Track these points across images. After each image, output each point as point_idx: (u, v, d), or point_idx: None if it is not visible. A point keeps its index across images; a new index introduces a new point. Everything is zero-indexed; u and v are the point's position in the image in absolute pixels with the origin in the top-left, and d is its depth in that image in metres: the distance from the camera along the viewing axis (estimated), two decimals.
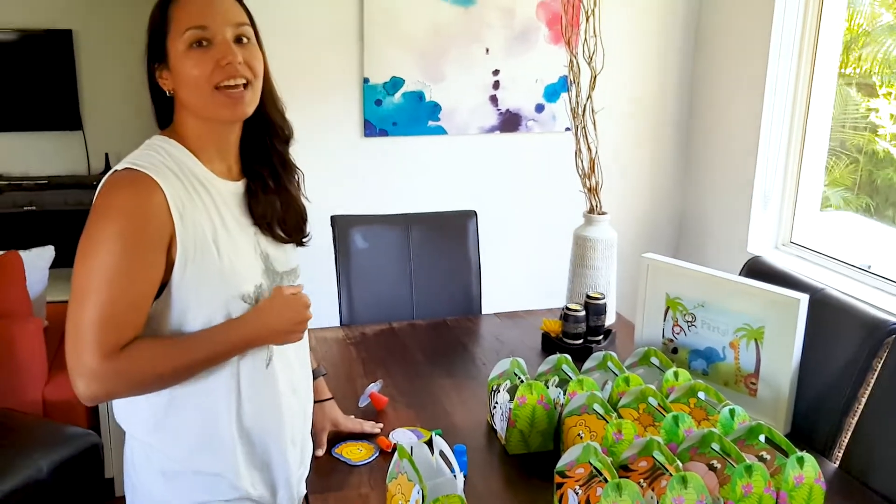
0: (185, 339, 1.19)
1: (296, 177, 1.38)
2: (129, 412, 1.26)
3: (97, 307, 1.11)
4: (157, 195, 1.14)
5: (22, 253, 2.62)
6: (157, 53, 1.21)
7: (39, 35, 4.49)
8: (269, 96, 1.29)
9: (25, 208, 4.08)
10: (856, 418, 1.67)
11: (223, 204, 1.24)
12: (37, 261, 2.72)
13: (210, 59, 1.17)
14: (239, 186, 1.29)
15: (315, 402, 1.52)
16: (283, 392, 1.31)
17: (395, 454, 1.32)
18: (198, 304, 1.19)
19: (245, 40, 1.22)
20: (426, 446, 1.39)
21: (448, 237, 2.56)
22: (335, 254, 2.43)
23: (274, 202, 1.32)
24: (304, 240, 1.39)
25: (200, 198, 1.21)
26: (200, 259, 1.17)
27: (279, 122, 1.33)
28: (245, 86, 1.20)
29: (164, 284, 1.17)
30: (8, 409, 2.39)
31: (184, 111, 1.23)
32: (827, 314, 1.78)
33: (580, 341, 2.13)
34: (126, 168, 1.16)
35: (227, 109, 1.20)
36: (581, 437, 1.52)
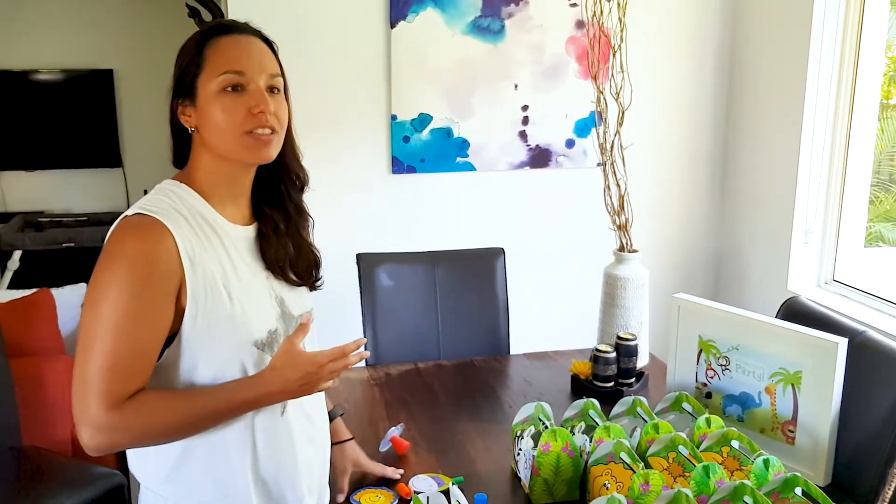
0: (192, 394, 1.16)
1: (307, 223, 1.36)
2: (142, 462, 1.24)
3: (103, 355, 1.10)
4: (166, 240, 1.13)
5: (54, 290, 2.65)
6: (184, 89, 1.20)
7: (82, 75, 4.63)
8: (289, 145, 1.29)
9: (65, 245, 4.16)
10: None
11: (234, 249, 1.23)
12: (69, 298, 2.75)
13: (242, 105, 1.17)
14: (250, 231, 1.28)
15: (333, 444, 1.48)
16: (298, 441, 1.28)
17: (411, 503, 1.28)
18: (209, 352, 1.17)
19: (276, 91, 1.22)
20: (443, 496, 1.34)
21: (476, 275, 2.53)
22: (360, 292, 2.41)
23: (286, 245, 1.31)
24: (316, 283, 1.37)
25: (211, 243, 1.19)
26: (211, 305, 1.16)
27: (296, 169, 1.33)
28: (272, 132, 1.20)
29: (175, 333, 1.16)
30: (37, 447, 2.39)
31: (202, 149, 1.23)
32: (868, 358, 1.70)
33: (611, 384, 2.07)
34: (136, 213, 1.15)
35: (252, 152, 1.20)
36: (607, 488, 1.46)
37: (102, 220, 4.56)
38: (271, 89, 1.21)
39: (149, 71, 4.64)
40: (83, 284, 2.85)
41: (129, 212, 1.16)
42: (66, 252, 4.18)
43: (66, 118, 4.67)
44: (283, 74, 1.25)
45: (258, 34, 1.24)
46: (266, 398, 1.18)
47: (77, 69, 4.64)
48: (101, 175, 4.83)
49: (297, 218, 1.33)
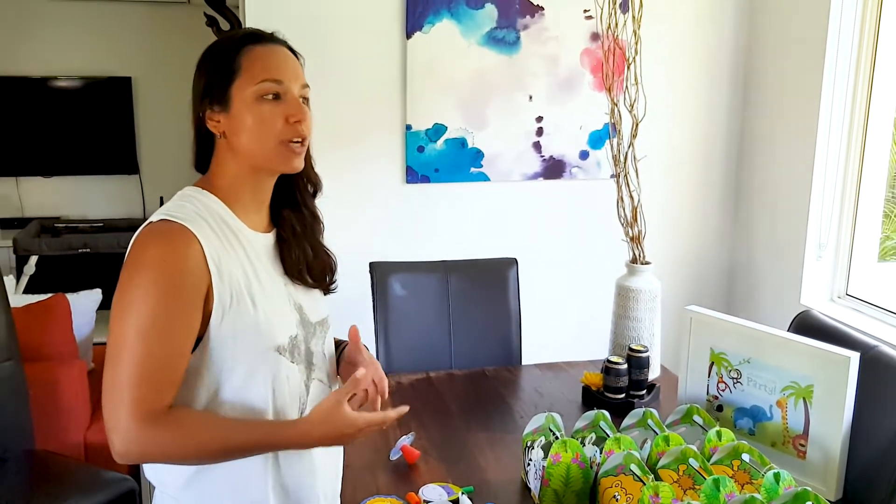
0: (231, 425, 1.17)
1: (321, 229, 1.38)
2: (161, 468, 1.24)
3: (133, 364, 1.09)
4: (193, 246, 1.13)
5: (70, 296, 2.67)
6: (216, 95, 1.21)
7: (100, 82, 4.68)
8: (307, 153, 1.31)
9: (80, 251, 4.19)
10: None
11: (255, 256, 1.24)
12: (84, 303, 2.77)
13: (280, 114, 1.19)
14: (269, 238, 1.29)
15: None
16: (316, 450, 1.28)
17: None
18: (233, 358, 1.18)
19: (306, 101, 1.25)
20: None
21: (488, 285, 2.53)
22: (373, 301, 2.42)
23: (304, 248, 1.32)
24: (331, 287, 1.38)
25: (234, 249, 1.20)
26: (236, 311, 1.17)
27: (312, 176, 1.35)
28: (302, 141, 1.23)
29: (200, 338, 1.16)
30: (49, 451, 2.41)
31: (228, 156, 1.23)
32: (881, 373, 1.69)
33: (622, 395, 2.07)
34: (161, 219, 1.15)
35: (287, 162, 1.22)
36: (617, 500, 1.46)
37: (118, 227, 4.60)
38: (303, 99, 1.24)
39: (166, 79, 4.69)
40: (98, 290, 2.87)
41: (154, 218, 1.16)
42: (81, 257, 4.21)
43: (83, 125, 4.71)
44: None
45: (287, 45, 1.26)
46: (300, 445, 1.21)
47: (95, 76, 4.68)
48: (117, 181, 4.87)
49: (312, 222, 1.35)
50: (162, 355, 1.11)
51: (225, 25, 3.83)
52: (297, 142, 1.21)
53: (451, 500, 1.36)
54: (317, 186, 1.35)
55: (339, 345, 1.43)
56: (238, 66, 1.19)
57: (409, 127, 2.90)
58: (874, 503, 1.61)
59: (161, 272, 1.11)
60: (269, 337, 1.20)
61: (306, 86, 1.25)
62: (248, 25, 2.65)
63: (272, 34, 1.26)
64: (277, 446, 1.20)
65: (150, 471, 1.25)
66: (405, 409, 1.27)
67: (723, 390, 1.85)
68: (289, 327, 1.24)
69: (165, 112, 4.70)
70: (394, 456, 1.75)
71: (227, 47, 1.22)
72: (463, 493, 1.34)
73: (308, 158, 1.32)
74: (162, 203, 4.70)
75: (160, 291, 1.10)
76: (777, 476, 1.44)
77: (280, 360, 1.21)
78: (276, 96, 1.20)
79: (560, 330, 3.09)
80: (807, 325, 1.94)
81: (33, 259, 4.08)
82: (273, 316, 1.21)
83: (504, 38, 2.91)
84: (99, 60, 4.71)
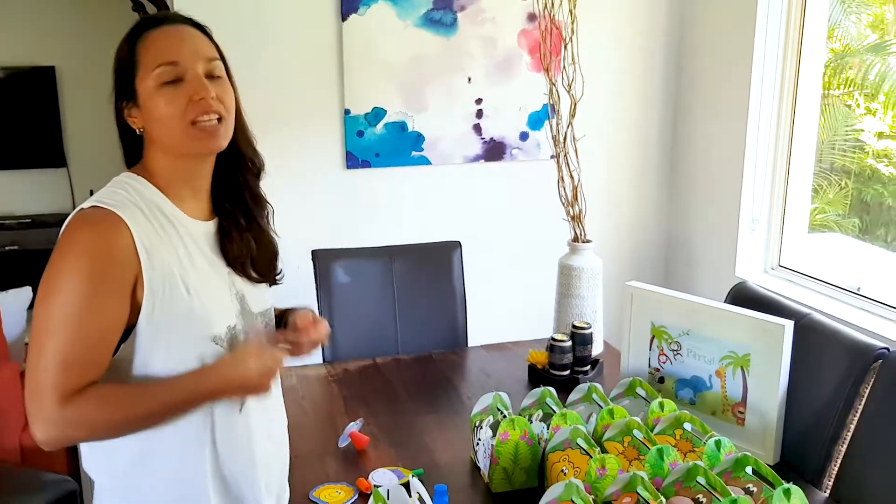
0: (145, 387, 1.15)
1: (266, 211, 1.34)
2: (98, 460, 1.21)
3: (57, 350, 1.08)
4: (122, 232, 1.11)
5: None
6: (125, 92, 1.18)
7: (23, 72, 4.49)
8: (240, 131, 1.27)
9: (8, 248, 4.04)
10: (845, 446, 1.63)
11: (193, 244, 1.21)
12: (14, 302, 2.68)
13: (183, 96, 1.15)
14: (210, 226, 1.26)
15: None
16: (257, 437, 1.27)
17: (371, 498, 1.28)
18: (167, 347, 1.15)
19: (217, 76, 1.19)
20: (403, 489, 1.35)
21: (432, 269, 2.53)
22: (316, 289, 2.39)
23: (248, 241, 1.29)
24: (276, 278, 1.36)
25: (168, 236, 1.17)
26: (169, 299, 1.14)
27: (251, 155, 1.30)
28: (219, 120, 1.18)
29: (131, 327, 1.14)
30: None
31: (154, 149, 1.20)
32: (813, 340, 1.75)
33: (567, 372, 2.10)
34: (92, 206, 1.13)
35: (201, 143, 1.18)
36: (565, 473, 1.48)
37: (47, 222, 4.44)
38: (210, 74, 1.18)
39: (93, 67, 4.51)
40: (28, 288, 2.77)
41: (85, 205, 1.14)
42: (9, 255, 4.06)
43: (6, 117, 4.53)
44: (223, 58, 1.22)
45: (189, 21, 1.21)
46: (224, 388, 1.17)
47: (17, 66, 4.50)
48: (44, 175, 4.69)
49: (255, 208, 1.31)
50: (86, 342, 1.09)
51: (153, 10, 3.72)
52: (209, 120, 1.16)
53: (401, 484, 1.36)
54: (259, 166, 1.31)
55: (280, 316, 1.40)
56: (136, 58, 1.16)
57: (347, 111, 2.86)
58: (811, 465, 1.68)
59: (87, 258, 1.09)
60: (205, 325, 1.17)
61: (215, 59, 1.19)
62: (176, 9, 2.58)
63: (172, 14, 1.21)
64: (202, 395, 1.16)
65: (88, 464, 1.22)
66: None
67: (664, 363, 1.90)
68: (227, 317, 1.22)
69: (93, 102, 4.50)
70: (342, 443, 1.74)
71: (125, 41, 1.18)
72: (413, 476, 1.34)
73: (245, 136, 1.28)
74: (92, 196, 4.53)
75: (86, 277, 1.08)
76: (718, 443, 1.48)
77: (217, 350, 1.19)
78: (177, 80, 1.15)
79: (505, 310, 3.12)
80: (742, 296, 2.00)
81: None
82: (210, 304, 1.19)
83: (441, 19, 2.89)
84: (20, 50, 4.53)
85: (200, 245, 1.23)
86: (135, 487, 1.20)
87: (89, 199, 1.15)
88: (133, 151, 1.24)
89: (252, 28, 2.72)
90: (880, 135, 3.68)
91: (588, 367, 2.13)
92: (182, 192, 1.22)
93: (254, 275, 1.29)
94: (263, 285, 1.34)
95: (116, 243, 1.10)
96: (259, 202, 1.33)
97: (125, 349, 1.14)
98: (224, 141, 1.20)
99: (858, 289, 2.56)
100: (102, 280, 1.09)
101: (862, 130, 3.81)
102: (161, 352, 1.15)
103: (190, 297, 1.16)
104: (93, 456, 1.22)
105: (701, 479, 1.34)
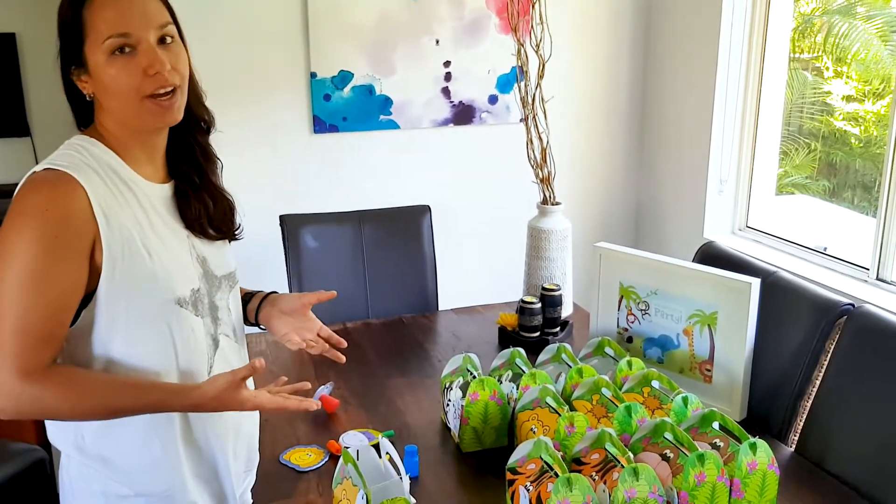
0: (111, 384, 1.12)
1: (217, 167, 1.32)
2: (64, 428, 1.19)
3: (14, 316, 1.05)
4: (78, 194, 1.08)
5: None
6: (73, 57, 1.14)
7: None
8: (192, 92, 1.23)
9: None
10: (810, 401, 1.66)
11: (150, 207, 1.18)
12: None
13: (136, 67, 1.10)
14: (166, 189, 1.23)
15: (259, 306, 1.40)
16: None
17: (341, 459, 1.28)
18: (128, 312, 1.12)
19: (169, 40, 1.15)
20: (373, 450, 1.35)
21: (402, 233, 2.52)
22: (285, 254, 2.37)
23: (204, 200, 1.26)
24: (236, 233, 1.34)
25: (125, 199, 1.14)
26: (129, 262, 1.11)
27: (202, 114, 1.27)
28: (174, 91, 1.14)
29: (91, 294, 1.11)
30: None
31: (106, 115, 1.17)
32: (779, 298, 1.77)
33: (537, 334, 2.10)
34: (45, 168, 1.09)
35: (156, 118, 1.15)
36: (534, 432, 1.49)
37: (11, 192, 4.33)
38: (162, 39, 1.13)
39: (56, 33, 4.41)
40: None
41: (38, 168, 1.10)
42: None
43: None
44: (174, 17, 1.17)
45: None
46: (198, 409, 1.16)
47: None
48: (7, 145, 4.56)
49: (207, 165, 1.28)
50: (44, 307, 1.06)
51: None
52: (164, 94, 1.13)
53: (371, 445, 1.36)
54: (209, 122, 1.28)
55: (248, 299, 1.39)
56: (83, 24, 1.11)
57: (314, 75, 2.82)
58: (777, 420, 1.71)
59: (43, 221, 1.06)
60: (167, 289, 1.15)
61: (167, 23, 1.14)
62: None
63: None
64: (166, 408, 1.15)
65: (53, 433, 1.20)
66: (314, 405, 1.23)
67: (632, 322, 1.91)
68: (190, 280, 1.20)
69: (57, 69, 4.42)
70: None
71: (69, 4, 1.13)
72: (383, 437, 1.34)
73: (196, 95, 1.24)
74: None
75: (41, 241, 1.05)
76: (685, 400, 1.49)
77: (182, 313, 1.17)
78: (127, 49, 1.10)
79: (475, 274, 3.12)
80: (710, 256, 2.01)
81: None
82: (172, 267, 1.16)
83: None
84: None
85: (158, 209, 1.20)
86: (103, 455, 1.18)
87: (42, 161, 1.11)
88: (84, 113, 1.20)
89: None
90: (848, 98, 3.70)
91: (558, 328, 2.14)
92: (138, 155, 1.19)
93: (212, 232, 1.27)
94: (225, 247, 1.31)
95: (72, 205, 1.07)
96: (210, 159, 1.30)
97: (86, 316, 1.11)
98: (179, 114, 1.17)
99: (825, 249, 2.59)
100: (59, 244, 1.06)
101: (829, 94, 3.83)
102: (123, 318, 1.12)
103: (152, 261, 1.13)
104: (57, 426, 1.20)
105: (668, 435, 1.35)
